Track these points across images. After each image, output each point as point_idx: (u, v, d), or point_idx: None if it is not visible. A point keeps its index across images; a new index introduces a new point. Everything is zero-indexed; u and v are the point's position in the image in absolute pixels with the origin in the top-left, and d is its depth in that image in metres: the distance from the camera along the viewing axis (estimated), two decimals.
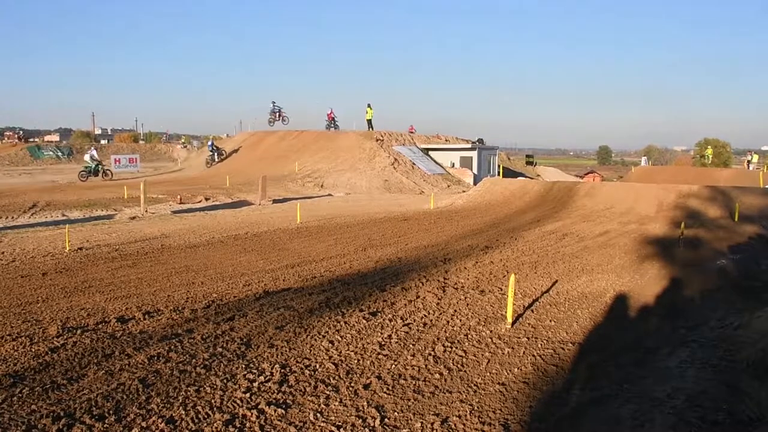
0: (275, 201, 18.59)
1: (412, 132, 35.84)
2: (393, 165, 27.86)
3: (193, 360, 4.62)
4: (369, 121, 33.21)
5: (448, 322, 5.84)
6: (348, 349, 5.00)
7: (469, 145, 33.16)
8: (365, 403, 3.98)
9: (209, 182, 24.92)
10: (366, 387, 4.25)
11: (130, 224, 12.78)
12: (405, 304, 6.41)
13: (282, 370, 4.48)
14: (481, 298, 6.74)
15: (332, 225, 12.95)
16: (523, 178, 27.97)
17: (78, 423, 3.56)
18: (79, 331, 5.23)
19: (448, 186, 27.65)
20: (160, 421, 3.62)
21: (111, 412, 3.71)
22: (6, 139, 58.68)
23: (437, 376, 4.50)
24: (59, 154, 42.96)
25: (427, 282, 7.47)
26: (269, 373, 4.42)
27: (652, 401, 4.04)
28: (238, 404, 3.90)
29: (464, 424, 3.74)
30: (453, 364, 4.76)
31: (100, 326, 5.42)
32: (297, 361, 4.70)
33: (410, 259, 9.04)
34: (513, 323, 5.76)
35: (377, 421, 3.73)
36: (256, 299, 6.50)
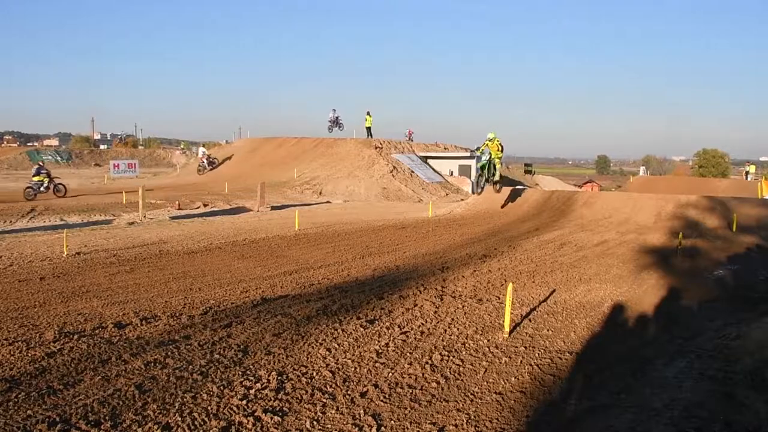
0: (274, 207, 18.59)
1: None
2: (392, 173, 27.90)
3: (190, 366, 4.61)
4: (368, 129, 33.30)
5: (445, 330, 5.84)
6: (345, 357, 4.99)
7: (468, 154, 33.22)
8: (362, 412, 3.97)
9: (208, 188, 24.93)
10: (363, 395, 4.24)
11: (128, 229, 12.77)
12: (402, 313, 6.40)
13: (279, 378, 4.47)
14: (479, 307, 6.74)
15: (330, 232, 12.95)
16: (522, 187, 28.04)
17: (74, 429, 3.55)
18: (75, 336, 5.22)
19: (447, 194, 27.68)
20: (156, 427, 3.60)
21: (107, 417, 3.69)
22: (5, 143, 58.69)
23: (434, 384, 4.49)
24: (58, 158, 42.99)
25: (424, 290, 7.47)
26: (266, 381, 4.41)
27: (649, 411, 4.03)
28: (234, 411, 3.88)
29: None
30: (450, 372, 4.75)
31: (97, 331, 5.41)
32: (294, 369, 4.69)
33: (408, 267, 9.04)
34: (510, 332, 5.75)
35: (374, 430, 3.72)
36: (253, 306, 6.49)
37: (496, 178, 16.82)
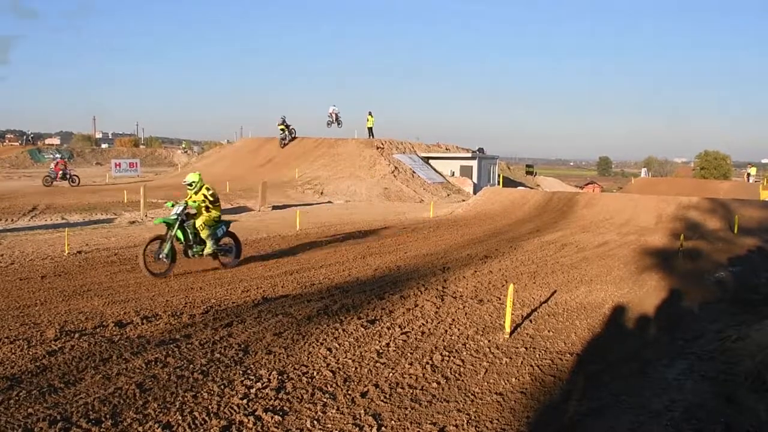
0: (275, 207, 18.59)
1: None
2: (393, 173, 27.88)
3: (191, 365, 4.62)
4: (370, 129, 33.28)
5: (446, 331, 5.84)
6: (346, 357, 4.99)
7: (470, 154, 33.22)
8: (362, 411, 3.97)
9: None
10: (363, 395, 4.25)
11: (130, 228, 12.79)
12: (403, 313, 6.40)
13: (279, 377, 4.48)
14: (480, 308, 6.74)
15: (332, 232, 12.95)
16: (523, 188, 28.02)
17: (75, 427, 3.55)
18: (77, 335, 5.22)
19: (448, 195, 27.67)
20: (156, 426, 3.61)
21: (108, 416, 3.70)
22: (7, 141, 58.79)
23: (434, 385, 4.49)
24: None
25: (425, 291, 7.47)
26: (267, 380, 4.41)
27: (649, 413, 4.03)
28: (235, 410, 3.89)
29: None
30: (450, 373, 4.75)
31: (98, 330, 5.42)
32: (294, 368, 4.69)
33: (409, 268, 9.04)
34: (511, 333, 5.75)
35: (374, 430, 3.72)
36: (254, 305, 6.49)
37: (208, 249, 8.53)
